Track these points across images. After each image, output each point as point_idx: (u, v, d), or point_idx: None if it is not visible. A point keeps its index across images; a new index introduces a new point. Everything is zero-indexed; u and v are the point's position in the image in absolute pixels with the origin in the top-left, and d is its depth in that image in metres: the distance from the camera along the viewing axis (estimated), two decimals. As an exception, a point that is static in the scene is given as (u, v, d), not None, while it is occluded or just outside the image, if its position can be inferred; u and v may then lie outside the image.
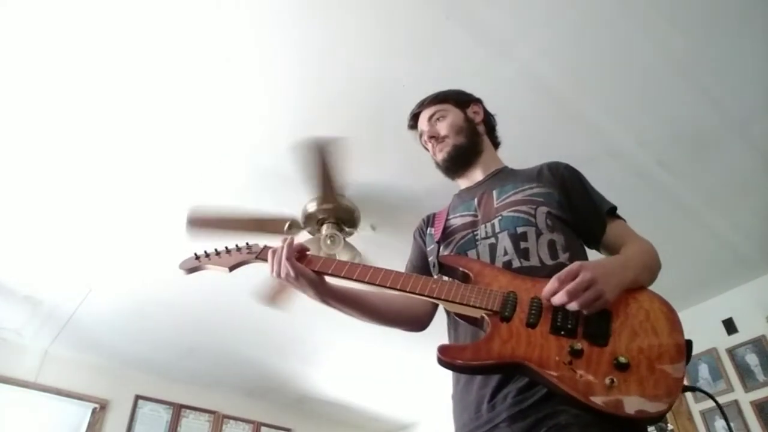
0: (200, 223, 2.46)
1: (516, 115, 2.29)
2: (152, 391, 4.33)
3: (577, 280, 0.90)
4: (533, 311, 0.94)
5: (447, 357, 0.94)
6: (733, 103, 2.31)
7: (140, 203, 2.75)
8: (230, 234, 2.45)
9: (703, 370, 3.35)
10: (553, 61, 2.13)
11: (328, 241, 2.68)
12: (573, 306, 0.90)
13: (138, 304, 3.50)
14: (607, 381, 0.82)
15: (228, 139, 2.43)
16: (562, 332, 0.90)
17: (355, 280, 1.10)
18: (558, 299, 0.91)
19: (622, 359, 0.84)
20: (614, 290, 0.93)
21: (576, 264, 0.93)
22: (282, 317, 3.61)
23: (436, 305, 1.26)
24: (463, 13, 1.94)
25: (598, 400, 0.81)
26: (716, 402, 0.99)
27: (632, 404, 0.81)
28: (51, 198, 2.69)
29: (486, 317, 0.97)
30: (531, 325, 0.93)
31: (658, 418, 0.81)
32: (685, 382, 0.86)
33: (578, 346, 0.87)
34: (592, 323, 0.90)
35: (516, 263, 1.09)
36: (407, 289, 1.06)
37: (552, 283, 0.93)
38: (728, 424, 1.32)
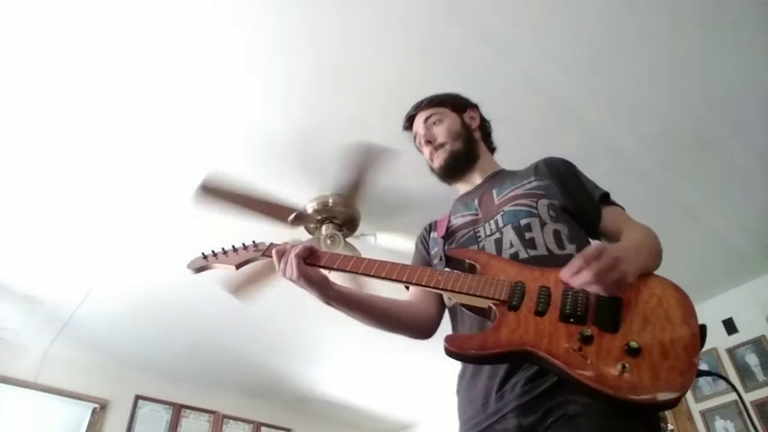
0: (212, 191, 2.40)
1: (516, 115, 2.29)
2: (152, 391, 4.32)
3: (603, 259, 0.86)
4: (542, 300, 0.93)
5: (454, 346, 0.93)
6: (733, 103, 2.31)
7: (140, 203, 2.74)
8: (236, 209, 2.42)
9: (703, 370, 3.35)
10: (553, 61, 2.13)
11: (328, 241, 2.68)
12: (594, 288, 0.87)
13: (138, 304, 3.50)
14: (619, 366, 0.80)
15: (228, 140, 2.43)
16: (572, 319, 0.88)
17: (361, 274, 1.10)
18: (581, 279, 0.87)
19: (634, 344, 0.82)
20: (634, 273, 0.90)
21: (599, 243, 0.90)
22: (282, 317, 3.62)
23: (442, 311, 1.26)
24: (463, 13, 1.94)
25: (609, 385, 0.79)
26: (735, 389, 0.97)
27: (645, 390, 0.78)
28: (51, 198, 2.69)
29: (493, 307, 0.96)
30: (539, 313, 0.91)
31: (672, 405, 0.78)
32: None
33: (588, 332, 0.85)
34: (602, 310, 0.88)
35: (523, 254, 1.08)
36: (414, 281, 1.06)
37: (577, 261, 0.88)
38: (749, 414, 1.30)
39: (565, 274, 0.90)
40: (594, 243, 0.92)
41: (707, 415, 3.24)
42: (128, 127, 2.35)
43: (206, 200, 2.39)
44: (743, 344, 3.26)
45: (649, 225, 1.14)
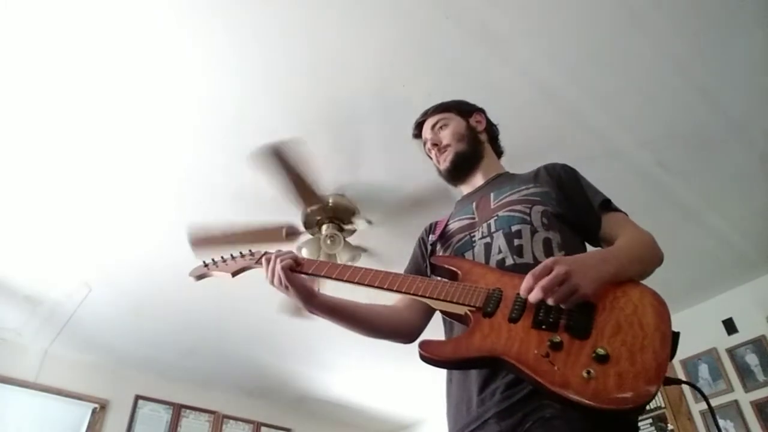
0: (202, 242, 2.52)
1: (516, 115, 2.29)
2: (152, 391, 4.33)
3: (551, 275, 0.89)
4: (516, 307, 0.95)
5: (427, 352, 0.94)
6: (733, 103, 2.30)
7: (140, 203, 2.75)
8: (234, 247, 2.47)
9: (703, 370, 3.35)
10: (553, 61, 2.12)
11: (328, 241, 2.68)
12: (550, 301, 0.90)
13: (138, 304, 3.50)
14: (585, 373, 0.81)
15: (227, 142, 2.43)
16: (544, 326, 0.90)
17: (345, 281, 1.13)
18: (534, 296, 0.90)
19: (601, 351, 0.83)
20: (591, 284, 0.91)
21: (550, 259, 0.92)
22: (282, 317, 3.61)
23: (428, 316, 1.29)
24: (463, 12, 1.94)
25: (573, 391, 0.80)
26: (704, 396, 0.96)
27: (609, 396, 0.79)
28: (51, 197, 2.69)
29: (469, 314, 0.98)
30: (513, 320, 0.93)
31: (638, 411, 0.79)
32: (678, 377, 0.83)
33: (557, 339, 0.86)
34: (574, 317, 0.90)
35: (509, 261, 1.10)
36: (394, 288, 1.08)
37: (527, 280, 0.92)
38: (714, 418, 1.31)
39: (522, 291, 0.93)
40: (549, 258, 0.93)
41: (707, 415, 3.24)
42: (126, 128, 2.35)
43: (201, 251, 2.47)
44: (743, 344, 3.26)
45: (649, 225, 1.14)
